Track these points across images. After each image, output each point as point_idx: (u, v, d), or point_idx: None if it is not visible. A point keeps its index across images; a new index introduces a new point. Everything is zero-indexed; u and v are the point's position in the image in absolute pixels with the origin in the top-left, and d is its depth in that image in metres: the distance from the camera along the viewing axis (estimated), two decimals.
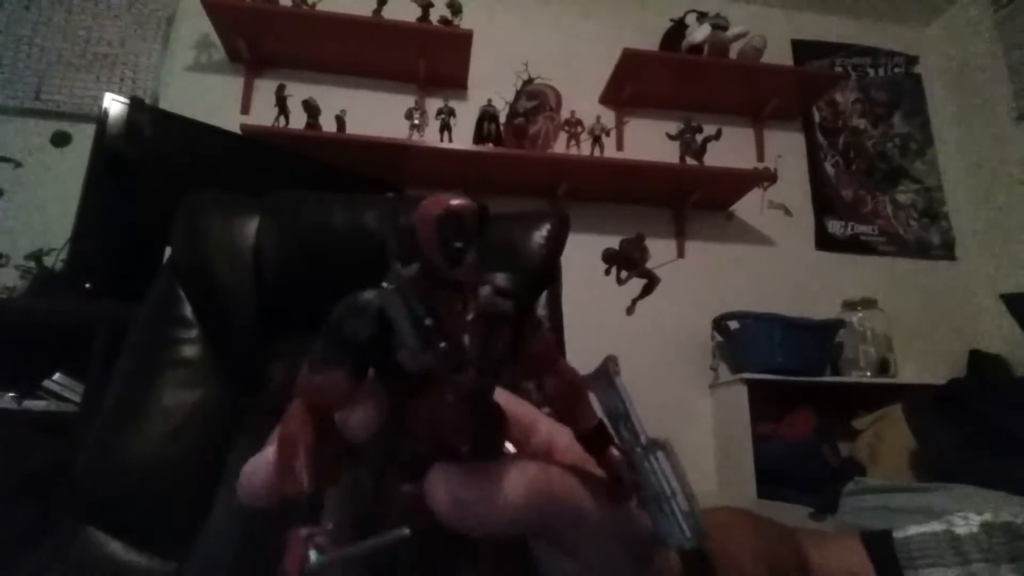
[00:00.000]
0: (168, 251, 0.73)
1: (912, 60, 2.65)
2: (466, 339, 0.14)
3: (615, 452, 0.17)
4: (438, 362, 0.14)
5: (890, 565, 0.39)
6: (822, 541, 0.41)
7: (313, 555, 0.14)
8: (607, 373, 0.16)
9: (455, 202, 0.14)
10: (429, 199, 0.14)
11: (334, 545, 0.15)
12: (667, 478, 0.16)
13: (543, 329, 0.16)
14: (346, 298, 0.15)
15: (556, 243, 0.73)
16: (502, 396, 0.17)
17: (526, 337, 0.15)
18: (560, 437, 0.19)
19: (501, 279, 0.15)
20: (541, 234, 0.73)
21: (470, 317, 0.14)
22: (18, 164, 1.92)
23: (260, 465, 0.16)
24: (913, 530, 0.40)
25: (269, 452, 0.16)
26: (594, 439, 0.17)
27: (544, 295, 0.72)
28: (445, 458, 0.15)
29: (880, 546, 0.40)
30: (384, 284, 0.14)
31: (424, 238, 0.13)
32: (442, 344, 0.14)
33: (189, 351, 0.67)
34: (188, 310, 0.69)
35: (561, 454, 0.18)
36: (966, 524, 0.38)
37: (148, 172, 1.50)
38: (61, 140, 1.99)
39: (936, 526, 0.39)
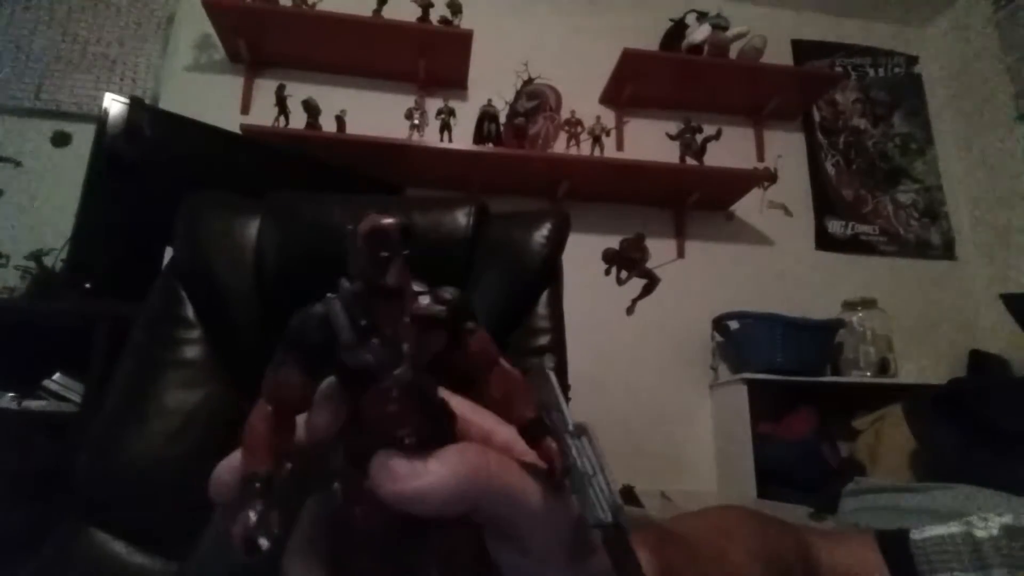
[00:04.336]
0: (168, 251, 0.73)
1: (912, 60, 2.65)
2: (402, 340, 0.16)
3: (550, 442, 0.18)
4: (374, 358, 0.16)
5: (906, 567, 0.37)
6: (833, 541, 0.40)
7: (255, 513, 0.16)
8: (542, 368, 0.19)
9: (382, 221, 0.16)
10: (363, 218, 0.16)
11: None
12: (590, 459, 0.18)
13: (481, 332, 0.18)
14: (298, 310, 0.17)
15: (557, 242, 0.73)
16: (462, 405, 0.19)
17: (463, 338, 0.17)
18: (504, 432, 0.20)
19: (444, 290, 0.17)
20: (542, 233, 0.73)
21: (406, 321, 0.16)
22: (18, 164, 1.92)
23: (227, 465, 0.18)
24: (931, 531, 0.38)
25: (235, 456, 0.17)
26: (532, 430, 0.18)
27: (545, 294, 0.72)
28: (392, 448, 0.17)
29: (896, 547, 0.38)
30: (329, 296, 0.17)
31: (357, 250, 0.16)
32: (375, 340, 0.16)
33: (191, 352, 0.67)
34: (190, 311, 0.69)
35: (502, 444, 0.19)
36: (986, 527, 0.37)
37: (148, 172, 1.50)
38: (61, 140, 1.99)
39: (955, 528, 0.38)
